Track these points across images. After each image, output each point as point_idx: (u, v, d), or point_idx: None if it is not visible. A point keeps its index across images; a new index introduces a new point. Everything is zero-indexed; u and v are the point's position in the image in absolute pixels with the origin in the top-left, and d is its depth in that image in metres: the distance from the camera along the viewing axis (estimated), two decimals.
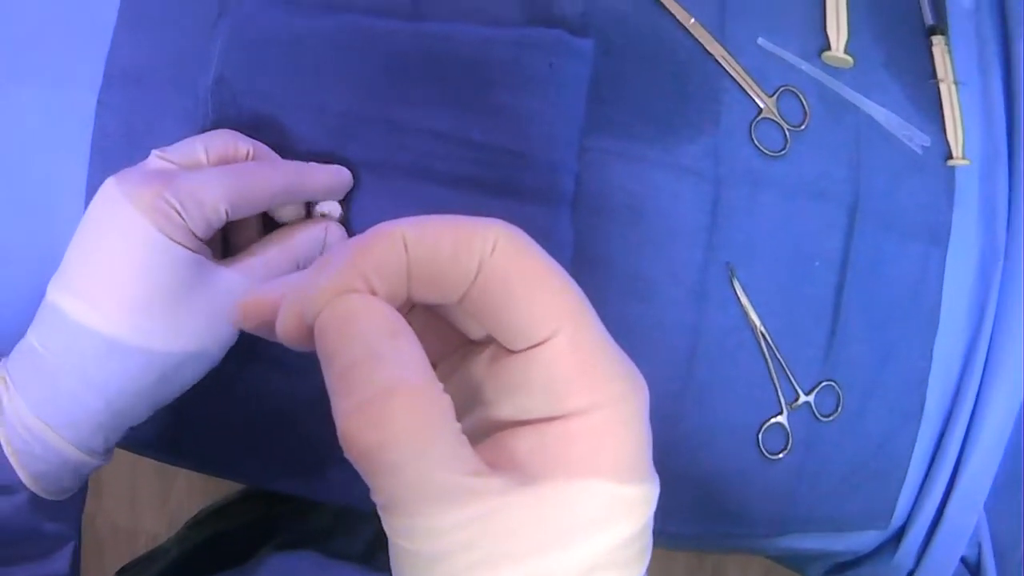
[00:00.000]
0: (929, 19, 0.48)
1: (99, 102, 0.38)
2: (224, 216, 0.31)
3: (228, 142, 0.33)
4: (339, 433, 0.17)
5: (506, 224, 0.20)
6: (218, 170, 0.31)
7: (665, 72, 0.40)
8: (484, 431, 0.20)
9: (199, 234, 0.30)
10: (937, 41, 0.48)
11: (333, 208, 0.36)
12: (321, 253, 0.34)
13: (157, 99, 0.38)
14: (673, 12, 0.40)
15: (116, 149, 0.38)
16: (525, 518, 0.17)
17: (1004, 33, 0.51)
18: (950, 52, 0.48)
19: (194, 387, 0.33)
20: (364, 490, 0.18)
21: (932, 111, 0.46)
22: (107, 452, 0.32)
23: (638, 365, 0.38)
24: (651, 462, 0.20)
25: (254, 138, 0.35)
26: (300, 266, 0.34)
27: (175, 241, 0.30)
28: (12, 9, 0.40)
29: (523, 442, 0.19)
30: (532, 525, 0.17)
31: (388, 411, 0.17)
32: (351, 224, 0.37)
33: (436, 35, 0.37)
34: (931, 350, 0.46)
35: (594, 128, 0.39)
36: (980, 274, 0.47)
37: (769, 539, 0.45)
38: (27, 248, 0.39)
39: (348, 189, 0.36)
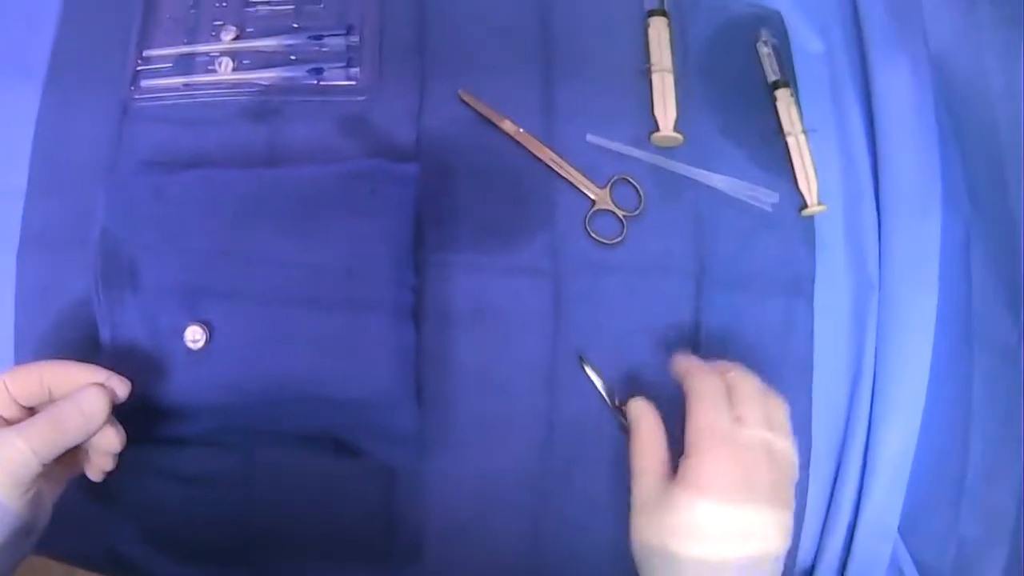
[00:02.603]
0: (772, 75, 0.50)
1: (18, 260, 0.44)
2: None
3: (31, 380, 0.36)
4: None
5: None
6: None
7: (499, 182, 0.43)
8: None
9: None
10: (781, 95, 0.49)
11: (198, 335, 0.40)
12: None
13: (64, 256, 0.44)
14: (501, 127, 0.43)
15: (34, 301, 0.44)
16: None
17: (862, 69, 0.52)
18: (797, 102, 0.49)
19: (117, 504, 0.37)
20: None
21: (780, 166, 0.48)
22: None
23: (497, 455, 0.42)
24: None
25: (134, 279, 0.40)
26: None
27: None
28: None
29: None
30: None
31: None
32: (216, 348, 0.40)
33: (274, 177, 0.41)
34: (810, 394, 0.47)
35: (436, 244, 0.42)
36: (855, 310, 0.49)
37: None
38: None
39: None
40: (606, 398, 0.43)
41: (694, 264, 0.45)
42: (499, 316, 0.42)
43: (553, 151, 0.43)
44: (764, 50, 0.50)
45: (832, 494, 0.48)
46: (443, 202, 0.42)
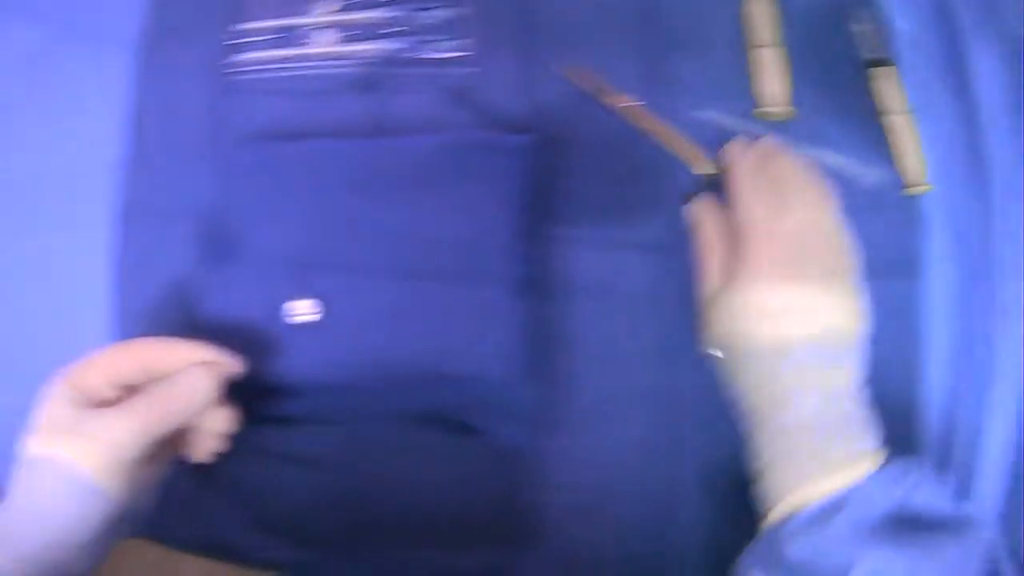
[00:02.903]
0: (870, 53, 0.49)
1: (115, 233, 0.44)
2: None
3: (132, 359, 0.35)
4: None
5: None
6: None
7: (615, 157, 0.42)
8: None
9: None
10: (881, 74, 0.48)
11: (309, 310, 0.38)
12: None
13: (165, 227, 0.43)
14: (610, 101, 0.42)
15: (134, 274, 0.43)
16: None
17: (952, 50, 0.51)
18: (899, 80, 0.48)
19: (226, 488, 0.38)
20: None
21: (880, 146, 0.47)
22: None
23: (619, 434, 0.42)
24: None
25: (240, 252, 0.39)
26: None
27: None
28: (23, 161, 0.45)
29: None
30: None
31: None
32: (327, 323, 0.39)
33: (385, 148, 0.40)
34: (917, 392, 0.46)
35: (557, 219, 0.41)
36: (959, 294, 0.47)
37: None
38: (60, 359, 0.42)
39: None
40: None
41: None
42: (619, 291, 0.41)
43: (664, 125, 0.42)
44: (860, 28, 0.49)
45: None
46: (560, 177, 0.41)
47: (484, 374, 0.38)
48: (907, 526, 0.33)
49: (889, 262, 0.46)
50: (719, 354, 0.37)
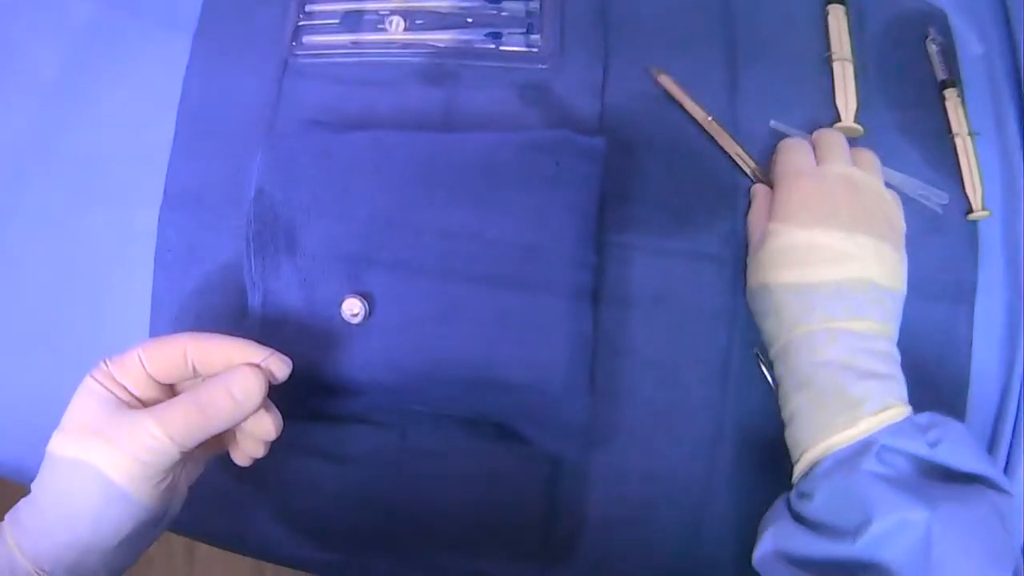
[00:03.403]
0: (941, 74, 0.48)
1: (160, 220, 0.42)
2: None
3: (173, 355, 0.32)
4: None
5: None
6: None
7: (682, 162, 0.41)
8: None
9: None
10: (950, 95, 0.48)
11: (357, 308, 0.37)
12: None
13: (213, 216, 0.41)
14: (689, 110, 0.41)
15: (177, 263, 0.42)
16: None
17: (1016, 75, 0.50)
18: (963, 103, 0.48)
19: (255, 480, 0.36)
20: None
21: (949, 167, 0.46)
22: None
23: (666, 449, 0.41)
24: None
25: (292, 244, 0.37)
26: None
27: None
28: (76, 139, 0.43)
29: None
30: None
31: None
32: (377, 322, 0.38)
33: (451, 143, 0.39)
34: (965, 410, 0.45)
35: (615, 224, 0.40)
36: (1008, 321, 0.47)
37: None
38: (96, 349, 0.42)
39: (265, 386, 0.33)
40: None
41: None
42: (677, 303, 0.40)
43: (738, 142, 0.41)
44: (933, 48, 0.49)
45: None
46: (625, 181, 0.40)
47: (537, 384, 0.37)
48: (934, 478, 0.32)
49: (944, 285, 0.45)
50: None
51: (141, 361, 0.31)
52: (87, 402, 0.31)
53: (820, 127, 0.43)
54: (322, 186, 0.38)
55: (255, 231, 0.38)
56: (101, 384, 0.31)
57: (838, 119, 0.43)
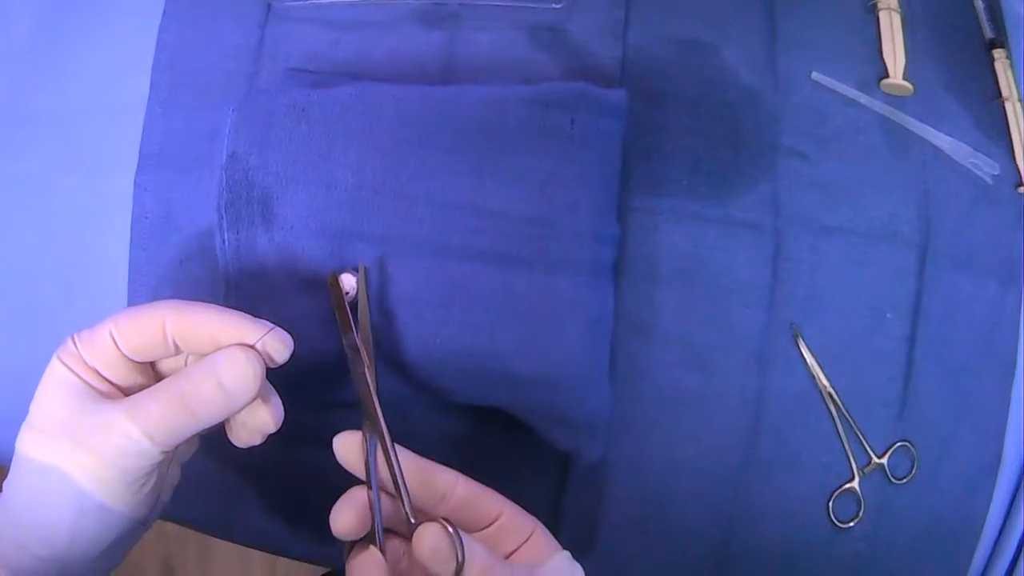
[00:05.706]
0: (989, 32, 0.44)
1: (136, 183, 0.38)
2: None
3: (149, 328, 0.27)
4: None
5: None
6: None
7: (715, 118, 0.36)
8: None
9: None
10: (999, 55, 0.44)
11: (348, 286, 0.32)
12: None
13: (191, 178, 0.37)
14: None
15: (154, 230, 0.38)
16: None
17: None
18: (1012, 66, 0.44)
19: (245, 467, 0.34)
20: None
21: (999, 134, 0.42)
22: None
23: (697, 439, 0.37)
24: None
25: (268, 215, 0.32)
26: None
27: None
28: (49, 102, 0.39)
29: None
30: None
31: None
32: (373, 303, 0.34)
33: (448, 97, 0.33)
34: (1009, 397, 0.42)
35: (639, 186, 0.35)
36: None
37: None
38: (71, 323, 0.37)
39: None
40: (820, 382, 0.36)
41: (920, 234, 0.39)
42: (709, 277, 0.36)
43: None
44: (979, 3, 0.44)
45: (1011, 505, 0.42)
46: (649, 137, 0.35)
47: (551, 377, 0.32)
48: None
49: (989, 262, 0.41)
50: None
51: (113, 338, 0.26)
52: (55, 392, 0.26)
53: (866, 81, 0.39)
54: (300, 149, 0.33)
55: (227, 200, 0.33)
56: (70, 369, 0.26)
57: (885, 74, 0.39)
